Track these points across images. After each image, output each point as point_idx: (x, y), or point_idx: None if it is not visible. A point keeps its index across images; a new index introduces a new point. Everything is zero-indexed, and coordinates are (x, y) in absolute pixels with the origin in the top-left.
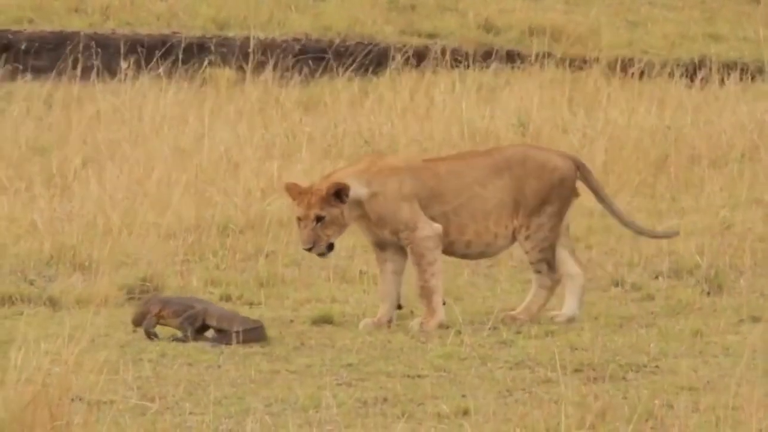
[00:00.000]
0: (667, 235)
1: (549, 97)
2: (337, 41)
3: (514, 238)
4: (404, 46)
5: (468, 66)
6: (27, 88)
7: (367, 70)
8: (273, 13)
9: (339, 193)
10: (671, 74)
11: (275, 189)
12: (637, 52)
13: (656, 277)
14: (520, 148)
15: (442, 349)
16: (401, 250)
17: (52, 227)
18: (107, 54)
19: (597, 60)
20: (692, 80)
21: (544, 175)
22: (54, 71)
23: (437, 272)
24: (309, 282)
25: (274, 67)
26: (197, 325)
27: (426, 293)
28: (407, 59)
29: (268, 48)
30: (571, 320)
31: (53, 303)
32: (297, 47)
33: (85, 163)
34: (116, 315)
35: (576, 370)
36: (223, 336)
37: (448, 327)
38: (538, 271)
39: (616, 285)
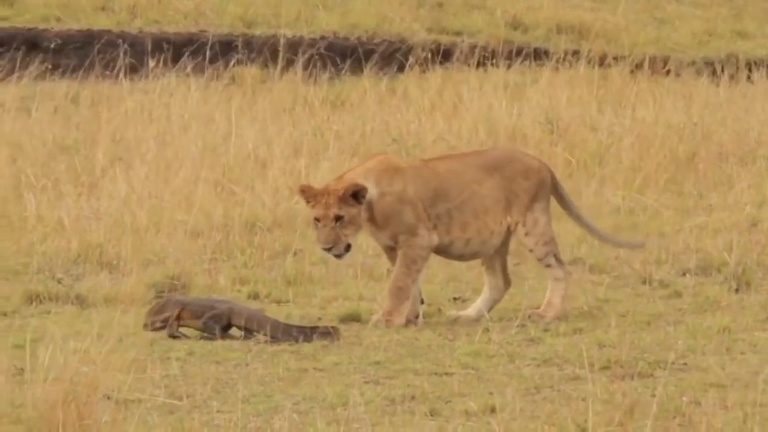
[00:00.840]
0: (631, 245)
1: (577, 95)
2: (364, 39)
3: (505, 235)
4: (432, 43)
5: (495, 64)
6: (54, 86)
7: (394, 68)
8: (300, 11)
9: (357, 194)
10: (699, 71)
11: None
12: (665, 49)
13: (684, 275)
14: (506, 150)
15: (470, 347)
16: None
17: (79, 226)
18: (134, 52)
19: (624, 57)
20: (719, 77)
21: (530, 175)
22: (81, 70)
23: (416, 279)
24: (336, 280)
25: (302, 65)
26: (223, 323)
27: (399, 294)
28: (434, 57)
29: (295, 46)
30: (471, 319)
31: (81, 301)
32: (324, 45)
33: (112, 162)
34: (144, 313)
35: (604, 368)
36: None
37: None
38: (549, 265)
39: (644, 282)
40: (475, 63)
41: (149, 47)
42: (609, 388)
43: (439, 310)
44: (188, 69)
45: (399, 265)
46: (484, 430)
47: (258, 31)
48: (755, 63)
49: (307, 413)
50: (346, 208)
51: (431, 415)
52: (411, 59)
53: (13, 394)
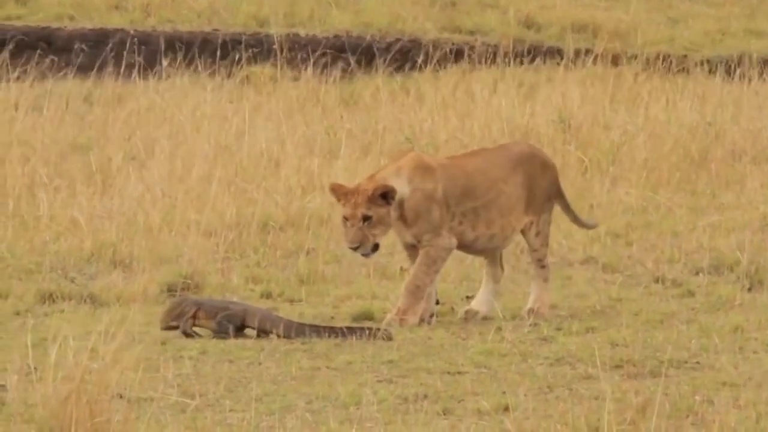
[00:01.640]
0: (588, 225)
1: (589, 94)
2: (377, 38)
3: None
4: (445, 42)
5: (508, 62)
6: (67, 85)
7: (407, 67)
8: (313, 9)
9: (386, 195)
10: (712, 70)
11: (316, 186)
12: (678, 48)
13: (697, 273)
14: (525, 145)
15: (483, 346)
16: None
17: (92, 225)
18: (148, 51)
19: (637, 56)
20: (732, 76)
21: (547, 172)
22: (94, 68)
23: (434, 280)
24: (349, 279)
25: (315, 64)
26: (236, 323)
27: (416, 293)
28: (448, 56)
29: (308, 45)
30: (485, 316)
31: (93, 300)
32: (338, 44)
33: (125, 161)
34: (156, 312)
35: (616, 367)
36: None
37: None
38: (544, 266)
39: (657, 281)
40: (488, 62)
41: (162, 46)
42: (622, 387)
43: (452, 308)
44: (201, 68)
45: (419, 263)
46: (497, 429)
47: (271, 30)
48: None
49: (320, 412)
50: (374, 209)
51: (444, 414)
52: (424, 58)
53: (26, 393)
